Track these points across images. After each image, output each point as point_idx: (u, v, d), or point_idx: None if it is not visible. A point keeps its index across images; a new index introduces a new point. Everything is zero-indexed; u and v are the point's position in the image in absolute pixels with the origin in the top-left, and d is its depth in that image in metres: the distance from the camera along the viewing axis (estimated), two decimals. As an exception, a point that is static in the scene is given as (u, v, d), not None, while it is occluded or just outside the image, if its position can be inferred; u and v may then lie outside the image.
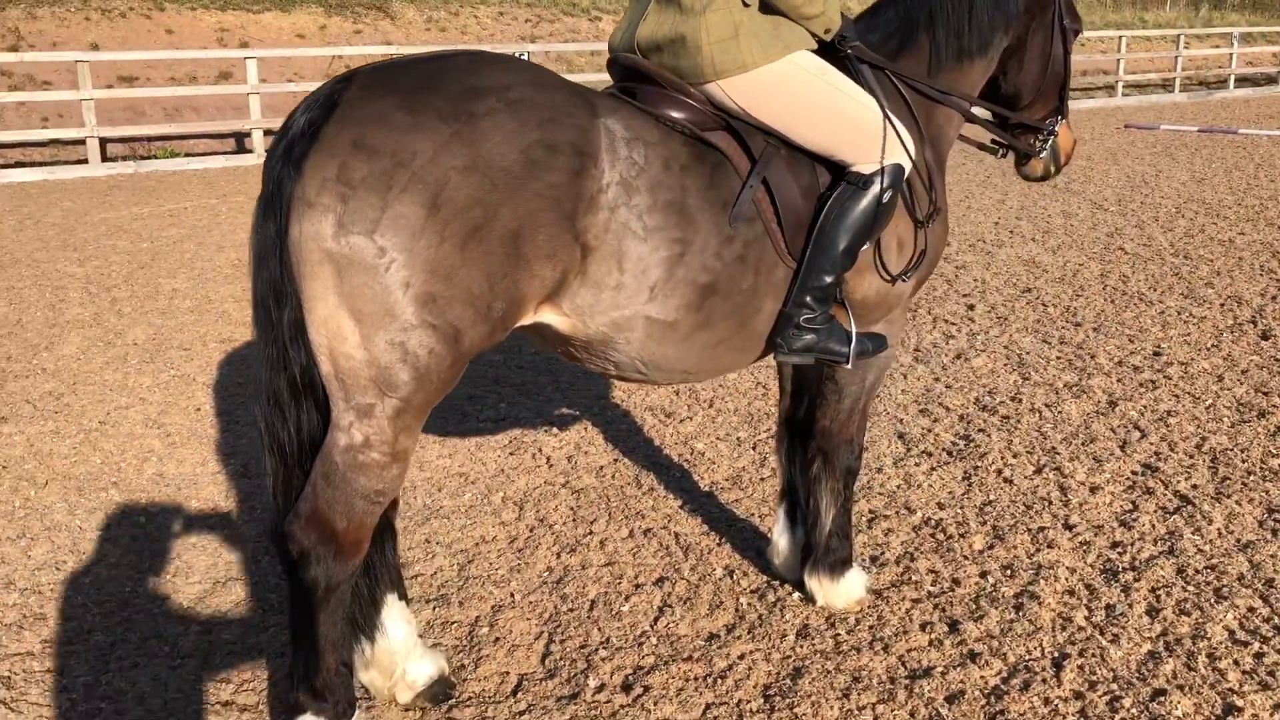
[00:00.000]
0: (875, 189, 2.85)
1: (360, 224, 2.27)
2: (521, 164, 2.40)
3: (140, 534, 4.09)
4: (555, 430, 5.05)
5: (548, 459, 4.73)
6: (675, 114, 2.79)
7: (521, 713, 2.96)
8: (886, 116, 2.90)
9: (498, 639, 3.34)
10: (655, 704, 3.00)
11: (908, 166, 2.95)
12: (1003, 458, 4.60)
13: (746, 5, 2.81)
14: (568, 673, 3.16)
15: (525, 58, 14.27)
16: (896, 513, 4.12)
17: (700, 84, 2.83)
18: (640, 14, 2.90)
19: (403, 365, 2.36)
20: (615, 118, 2.63)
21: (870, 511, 4.14)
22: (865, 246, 2.98)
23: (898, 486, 4.36)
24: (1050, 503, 4.17)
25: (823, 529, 3.43)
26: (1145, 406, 5.14)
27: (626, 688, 3.08)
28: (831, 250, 2.84)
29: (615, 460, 4.70)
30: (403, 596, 2.97)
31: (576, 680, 3.11)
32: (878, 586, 3.59)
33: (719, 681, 3.10)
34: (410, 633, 2.96)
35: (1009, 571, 3.66)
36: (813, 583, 3.47)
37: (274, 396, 2.51)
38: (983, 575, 3.64)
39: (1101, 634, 3.27)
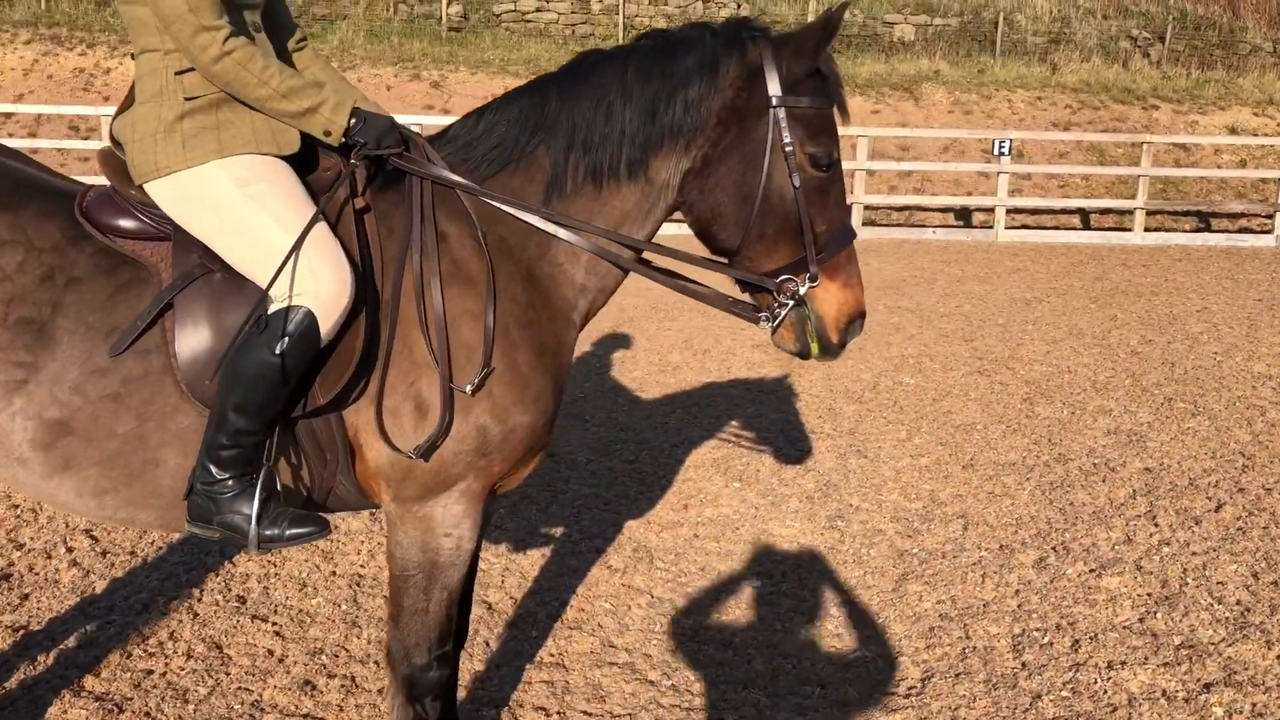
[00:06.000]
0: (271, 335, 2.30)
1: None
2: None
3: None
4: (585, 466, 5.16)
5: (554, 491, 4.85)
6: (111, 220, 2.50)
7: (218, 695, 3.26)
8: (297, 247, 2.32)
9: (299, 626, 3.65)
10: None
11: (327, 316, 2.34)
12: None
13: (192, 99, 2.42)
14: (300, 672, 3.40)
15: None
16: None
17: (141, 185, 2.46)
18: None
19: None
20: None
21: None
22: (306, 411, 2.44)
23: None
24: None
25: None
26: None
27: (307, 693, 3.25)
28: (223, 404, 2.33)
29: (600, 503, 4.72)
30: None
31: (298, 684, 3.35)
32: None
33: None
34: None
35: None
36: None
37: None
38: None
39: None
